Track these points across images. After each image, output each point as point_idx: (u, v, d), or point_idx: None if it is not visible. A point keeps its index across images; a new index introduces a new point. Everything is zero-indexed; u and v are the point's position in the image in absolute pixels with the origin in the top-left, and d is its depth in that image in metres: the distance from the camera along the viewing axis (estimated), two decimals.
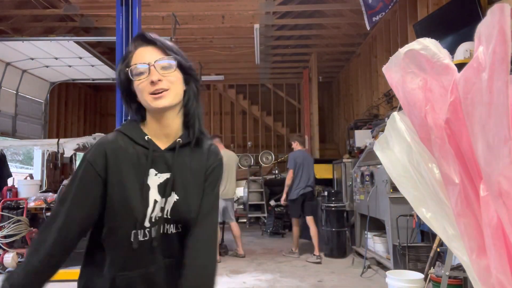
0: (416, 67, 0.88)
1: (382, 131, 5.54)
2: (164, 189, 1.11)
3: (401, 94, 0.91)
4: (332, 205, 5.94)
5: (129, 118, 1.23)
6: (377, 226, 5.24)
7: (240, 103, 12.40)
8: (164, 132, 1.15)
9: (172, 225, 1.13)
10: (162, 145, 1.15)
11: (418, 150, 0.91)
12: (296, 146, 6.21)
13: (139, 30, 4.92)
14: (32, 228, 5.23)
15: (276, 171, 10.23)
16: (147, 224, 1.09)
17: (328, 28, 8.28)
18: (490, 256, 0.71)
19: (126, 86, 1.14)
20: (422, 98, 0.85)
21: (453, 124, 0.78)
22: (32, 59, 7.56)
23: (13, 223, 5.04)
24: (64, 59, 7.62)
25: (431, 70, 0.84)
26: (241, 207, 9.89)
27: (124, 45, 4.84)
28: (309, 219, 5.88)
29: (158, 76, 1.07)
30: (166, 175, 1.13)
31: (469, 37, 3.45)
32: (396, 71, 0.92)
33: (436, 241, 3.51)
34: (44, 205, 5.32)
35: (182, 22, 7.02)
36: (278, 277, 4.81)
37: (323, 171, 8.25)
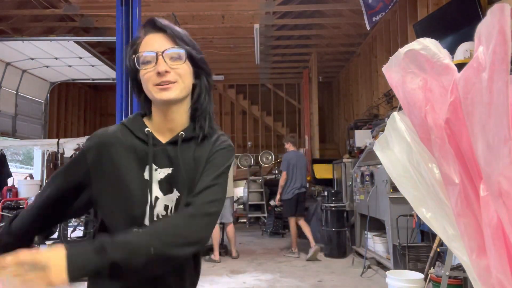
0: (416, 67, 0.88)
1: (382, 131, 5.54)
2: (165, 185, 1.04)
3: (401, 94, 0.91)
4: (332, 205, 5.94)
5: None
6: (377, 226, 5.24)
7: (240, 103, 12.40)
8: (168, 126, 1.07)
9: None
10: (165, 139, 1.07)
11: (418, 150, 0.91)
12: (289, 147, 6.33)
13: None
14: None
15: (276, 171, 10.23)
16: (147, 222, 1.02)
17: (328, 28, 8.28)
18: (490, 256, 0.71)
19: (135, 74, 1.07)
20: (422, 98, 0.86)
21: (453, 124, 0.78)
22: (32, 59, 7.57)
23: None
24: (64, 59, 7.63)
25: (431, 70, 0.84)
26: (241, 207, 9.90)
27: (124, 45, 4.84)
28: (301, 220, 6.02)
29: (165, 67, 1.00)
30: (167, 170, 1.05)
31: (469, 37, 3.45)
32: (396, 71, 0.92)
33: (436, 241, 3.51)
34: None
35: (182, 22, 7.02)
36: (278, 277, 4.81)
37: (323, 171, 8.25)
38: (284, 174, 6.05)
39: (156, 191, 1.04)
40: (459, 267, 2.87)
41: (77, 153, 1.14)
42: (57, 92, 10.03)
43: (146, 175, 1.03)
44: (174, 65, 1.01)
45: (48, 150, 6.81)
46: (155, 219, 1.03)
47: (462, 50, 3.51)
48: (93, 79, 9.27)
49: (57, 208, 1.11)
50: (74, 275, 0.81)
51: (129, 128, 1.08)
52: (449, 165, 0.79)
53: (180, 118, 1.07)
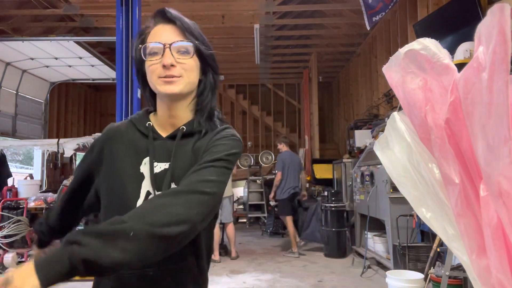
0: (416, 67, 0.88)
1: (382, 131, 5.54)
2: (162, 181, 0.99)
3: (401, 94, 0.91)
4: (332, 205, 5.94)
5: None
6: (377, 226, 5.24)
7: (240, 103, 12.40)
8: (171, 121, 1.05)
9: None
10: (166, 134, 1.05)
11: (418, 150, 0.91)
12: (282, 147, 6.45)
13: (139, 30, 4.93)
14: (32, 228, 5.23)
15: (276, 171, 10.23)
16: None
17: (328, 28, 8.29)
18: (490, 256, 0.71)
19: (140, 65, 1.03)
20: (422, 98, 0.85)
21: (453, 124, 0.78)
22: (32, 59, 7.56)
23: (13, 223, 5.04)
24: (64, 59, 7.63)
25: (431, 70, 0.84)
26: (241, 207, 9.90)
27: (124, 45, 4.85)
28: (289, 219, 6.15)
29: (171, 60, 0.96)
30: (165, 165, 1.00)
31: (469, 37, 3.45)
32: (396, 71, 0.92)
33: (436, 241, 3.51)
34: (44, 205, 5.32)
35: None
36: (278, 277, 4.81)
37: (323, 171, 8.25)
38: (279, 174, 6.20)
39: (148, 185, 0.99)
40: (459, 267, 2.87)
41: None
42: (57, 92, 10.03)
43: (142, 168, 1.01)
44: (181, 58, 0.98)
45: (48, 150, 6.80)
46: None
47: (462, 50, 3.51)
48: (93, 79, 9.27)
49: (74, 201, 1.16)
50: (45, 281, 0.73)
51: (133, 122, 1.08)
52: (449, 165, 0.79)
53: (183, 113, 1.05)
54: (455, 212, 0.79)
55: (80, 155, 10.19)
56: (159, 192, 0.93)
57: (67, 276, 0.75)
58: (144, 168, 1.01)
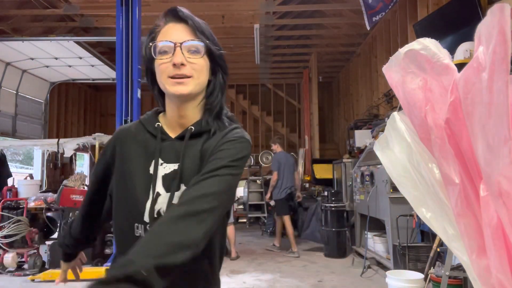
0: (416, 67, 0.88)
1: (382, 131, 5.54)
2: (171, 182, 0.98)
3: (401, 94, 0.91)
4: (332, 205, 5.94)
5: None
6: (377, 226, 5.24)
7: (240, 103, 12.40)
8: (180, 121, 1.04)
9: None
10: (175, 134, 1.04)
11: (418, 150, 0.91)
12: (277, 148, 6.55)
13: (139, 30, 4.93)
14: (32, 228, 5.24)
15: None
16: (146, 218, 0.97)
17: (328, 28, 8.29)
18: (490, 256, 0.71)
19: (150, 64, 1.02)
20: (422, 98, 0.85)
21: (453, 124, 0.78)
22: (32, 59, 7.57)
23: (13, 223, 5.04)
24: (64, 59, 7.63)
25: (431, 70, 0.84)
26: (241, 207, 9.90)
27: (124, 45, 4.85)
28: (286, 218, 6.22)
29: (182, 60, 0.96)
30: (174, 166, 1.00)
31: (469, 37, 3.45)
32: (396, 71, 0.92)
33: (436, 241, 3.51)
34: (44, 205, 5.32)
35: None
36: (278, 277, 4.81)
37: (323, 171, 8.25)
38: (275, 174, 6.28)
39: (158, 186, 0.99)
40: (459, 267, 2.87)
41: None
42: (57, 92, 10.03)
43: (152, 169, 1.00)
44: (191, 58, 0.98)
45: (48, 150, 6.80)
46: (155, 215, 0.97)
47: (462, 50, 3.51)
48: (93, 79, 9.27)
49: (94, 206, 1.20)
50: None
51: (142, 123, 1.08)
52: (449, 165, 0.79)
53: (192, 113, 1.04)
54: (455, 212, 0.79)
55: (80, 155, 10.20)
56: (161, 218, 0.87)
57: None
58: (154, 169, 1.01)
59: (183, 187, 0.97)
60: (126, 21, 4.87)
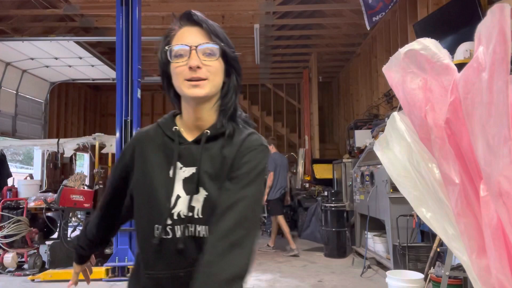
0: (416, 67, 0.88)
1: (382, 131, 5.54)
2: (190, 185, 1.01)
3: (401, 94, 0.91)
4: (332, 205, 5.94)
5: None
6: (377, 226, 5.24)
7: (240, 103, 12.36)
8: (196, 124, 1.06)
9: (204, 227, 0.99)
10: (192, 137, 1.06)
11: (418, 150, 0.91)
12: (272, 149, 6.62)
13: (139, 30, 4.93)
14: (32, 228, 5.24)
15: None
16: (166, 221, 1.01)
17: (328, 28, 8.29)
18: (490, 256, 0.71)
19: (166, 67, 1.04)
20: (422, 98, 0.85)
21: (453, 124, 0.78)
22: (32, 59, 7.57)
23: (13, 223, 5.04)
24: (64, 59, 7.63)
25: (431, 70, 0.84)
26: None
27: (124, 45, 4.85)
28: (281, 217, 6.34)
29: (198, 62, 0.98)
30: (192, 169, 1.02)
31: (469, 37, 3.45)
32: (396, 71, 0.92)
33: (436, 241, 3.51)
34: (44, 205, 5.32)
35: None
36: (278, 277, 4.81)
37: (323, 171, 8.25)
38: (271, 174, 6.34)
39: (178, 189, 1.02)
40: (459, 267, 2.87)
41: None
42: (57, 92, 10.03)
43: (172, 173, 1.03)
44: (206, 60, 0.99)
45: (48, 150, 6.81)
46: (175, 217, 1.00)
47: (462, 50, 3.51)
48: (93, 79, 9.27)
49: (112, 208, 1.22)
50: None
51: (160, 126, 1.10)
52: (449, 165, 0.79)
53: (208, 115, 1.06)
54: (455, 212, 0.79)
55: (80, 155, 10.20)
56: (210, 252, 0.91)
57: None
58: (173, 172, 1.03)
59: (201, 190, 1.01)
60: (126, 21, 4.87)
